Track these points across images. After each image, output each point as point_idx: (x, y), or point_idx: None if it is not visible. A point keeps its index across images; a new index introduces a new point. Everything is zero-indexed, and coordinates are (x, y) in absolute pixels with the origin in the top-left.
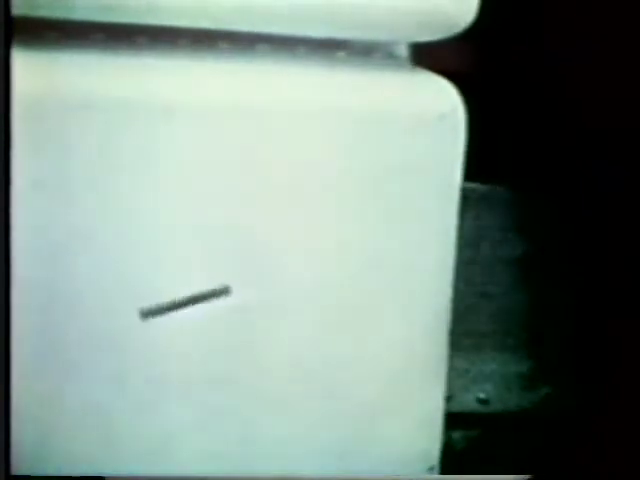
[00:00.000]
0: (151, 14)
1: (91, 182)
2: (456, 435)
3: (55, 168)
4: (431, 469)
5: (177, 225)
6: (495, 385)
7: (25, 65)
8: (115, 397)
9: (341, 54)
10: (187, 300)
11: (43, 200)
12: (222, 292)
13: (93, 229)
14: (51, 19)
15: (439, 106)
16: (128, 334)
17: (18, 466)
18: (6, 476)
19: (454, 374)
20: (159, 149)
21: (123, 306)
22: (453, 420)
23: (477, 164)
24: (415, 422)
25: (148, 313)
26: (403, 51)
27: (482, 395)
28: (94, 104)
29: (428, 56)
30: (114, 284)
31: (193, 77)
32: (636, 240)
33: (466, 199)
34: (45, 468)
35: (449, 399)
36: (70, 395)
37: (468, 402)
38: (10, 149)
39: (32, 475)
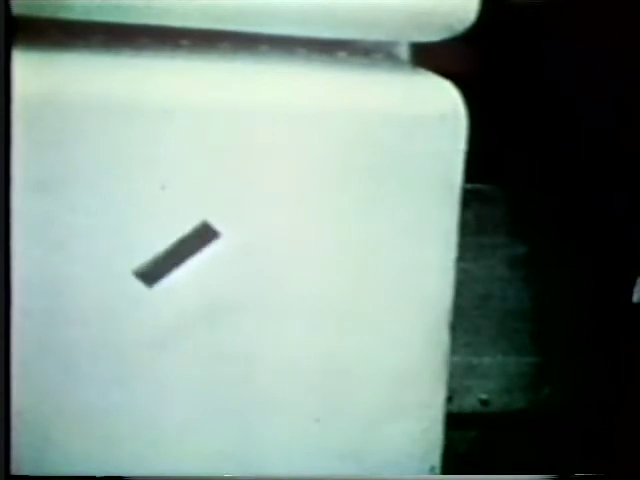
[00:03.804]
0: (152, 14)
1: (91, 182)
2: (457, 435)
3: (55, 168)
4: (432, 469)
5: (178, 225)
6: (496, 386)
7: (25, 65)
8: (115, 397)
9: (342, 54)
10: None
11: (43, 200)
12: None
13: (93, 229)
14: (51, 19)
15: (440, 107)
16: (128, 335)
17: (18, 466)
18: (6, 476)
19: (455, 375)
20: (160, 149)
21: (124, 307)
22: (454, 421)
23: (478, 165)
24: (416, 422)
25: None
26: (404, 51)
27: (483, 396)
28: (94, 104)
29: (429, 56)
30: (115, 284)
31: (194, 77)
32: (636, 238)
33: (467, 200)
34: (45, 468)
35: (450, 400)
36: (70, 395)
37: (469, 403)
38: (10, 149)
39: (32, 475)
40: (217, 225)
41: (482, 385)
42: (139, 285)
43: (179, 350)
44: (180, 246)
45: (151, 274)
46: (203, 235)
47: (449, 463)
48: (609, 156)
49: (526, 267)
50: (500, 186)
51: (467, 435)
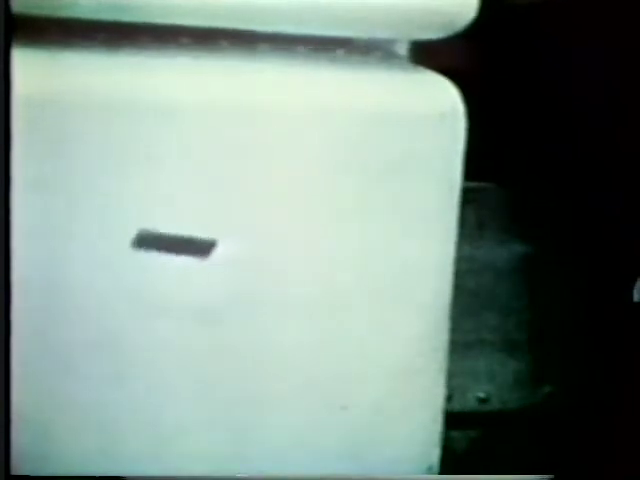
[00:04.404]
0: (152, 13)
1: (91, 181)
2: (456, 435)
3: (55, 168)
4: (430, 468)
5: (178, 223)
6: (495, 384)
7: (25, 65)
8: (115, 397)
9: (341, 53)
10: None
11: (43, 199)
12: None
13: (93, 229)
14: (51, 19)
15: (439, 105)
16: (128, 335)
17: (18, 466)
18: (6, 476)
19: (454, 373)
20: (160, 148)
21: (123, 306)
22: (453, 420)
23: (477, 163)
24: (415, 421)
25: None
26: (403, 49)
27: (482, 394)
28: (94, 103)
29: (428, 54)
30: (114, 284)
31: (194, 76)
32: (635, 237)
33: (466, 198)
34: (45, 468)
35: (449, 398)
36: (70, 395)
37: (468, 401)
38: (10, 149)
39: (32, 475)
40: (217, 223)
41: (481, 384)
42: (138, 285)
43: (179, 349)
44: (179, 241)
45: (144, 241)
46: (201, 247)
47: (447, 462)
48: (608, 155)
49: (526, 266)
50: (500, 185)
51: (466, 434)
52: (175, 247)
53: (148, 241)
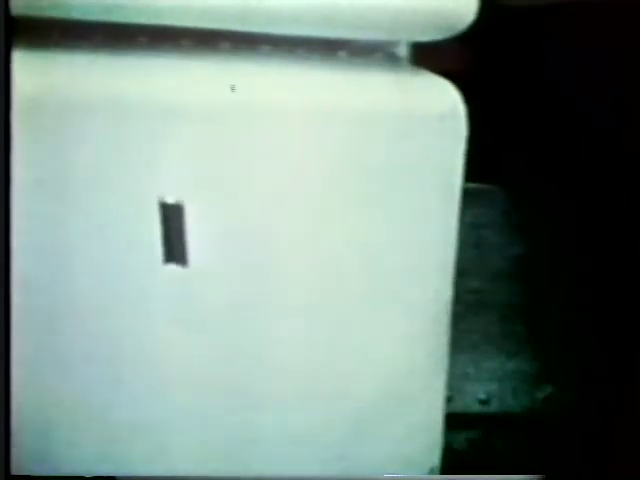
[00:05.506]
0: (152, 14)
1: (90, 182)
2: (457, 436)
3: (55, 168)
4: (432, 470)
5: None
6: (496, 385)
7: (25, 65)
8: (115, 398)
9: (341, 54)
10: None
11: (43, 200)
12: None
13: (93, 229)
14: (51, 19)
15: (439, 106)
16: (128, 335)
17: (18, 466)
18: (6, 476)
19: (455, 374)
20: (159, 149)
21: (123, 306)
22: (454, 421)
23: (478, 164)
24: (416, 423)
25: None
26: (403, 51)
27: (482, 396)
28: (94, 104)
29: (428, 56)
30: (114, 284)
31: (194, 77)
32: (635, 237)
33: (467, 199)
34: (45, 468)
35: (450, 399)
36: (70, 395)
37: (469, 402)
38: (10, 149)
39: (32, 475)
40: (217, 223)
41: (481, 385)
42: (137, 285)
43: (178, 350)
44: (179, 234)
45: (170, 210)
46: (177, 255)
47: (449, 463)
48: (609, 156)
49: (526, 267)
50: (500, 186)
51: (467, 435)
52: (171, 232)
53: (169, 207)
